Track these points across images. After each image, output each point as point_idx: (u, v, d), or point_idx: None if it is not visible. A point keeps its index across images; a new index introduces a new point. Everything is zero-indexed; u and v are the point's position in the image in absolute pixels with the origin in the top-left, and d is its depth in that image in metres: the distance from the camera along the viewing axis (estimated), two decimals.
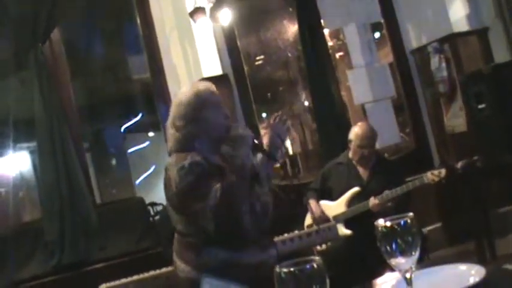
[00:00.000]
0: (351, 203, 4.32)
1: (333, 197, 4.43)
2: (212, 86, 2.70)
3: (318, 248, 4.36)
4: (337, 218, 4.34)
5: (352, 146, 4.40)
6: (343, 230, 4.29)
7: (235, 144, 2.58)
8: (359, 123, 4.56)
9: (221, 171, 2.51)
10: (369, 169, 4.39)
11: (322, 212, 4.42)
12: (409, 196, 4.20)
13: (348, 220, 4.31)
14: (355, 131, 4.40)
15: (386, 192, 4.12)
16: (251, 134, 2.62)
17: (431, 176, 4.11)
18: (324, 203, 4.46)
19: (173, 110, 2.67)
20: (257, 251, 2.58)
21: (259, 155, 2.67)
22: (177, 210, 2.56)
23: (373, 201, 4.14)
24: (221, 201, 2.38)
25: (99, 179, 9.98)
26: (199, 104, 2.60)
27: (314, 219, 4.43)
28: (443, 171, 4.12)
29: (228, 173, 2.49)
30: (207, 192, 2.40)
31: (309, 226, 4.46)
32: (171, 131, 2.65)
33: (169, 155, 2.65)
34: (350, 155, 4.44)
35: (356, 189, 4.32)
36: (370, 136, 4.38)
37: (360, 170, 4.41)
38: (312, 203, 4.48)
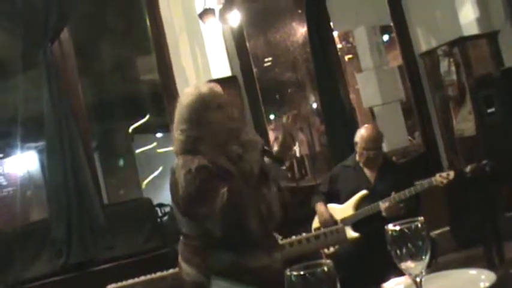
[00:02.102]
0: (358, 206, 4.30)
1: (340, 200, 4.41)
2: (216, 87, 2.68)
3: (326, 251, 4.35)
4: (345, 221, 4.32)
5: (358, 148, 4.38)
6: (351, 233, 4.28)
7: (245, 149, 2.57)
8: (365, 125, 4.55)
9: (228, 174, 2.49)
10: (376, 171, 4.37)
11: (330, 216, 4.40)
12: (419, 199, 4.18)
13: (355, 223, 4.30)
14: (361, 133, 4.39)
15: (394, 195, 4.10)
16: (261, 140, 2.61)
17: (440, 178, 4.09)
18: (332, 206, 4.44)
19: (177, 113, 2.66)
20: (262, 255, 2.55)
21: (268, 159, 2.66)
22: (184, 213, 2.56)
23: (383, 205, 4.11)
24: (228, 204, 2.36)
25: (107, 179, 9.98)
26: (202, 107, 2.58)
27: (322, 222, 4.42)
28: (451, 174, 4.10)
29: (236, 177, 2.48)
30: (213, 196, 2.39)
31: (317, 229, 4.44)
32: (176, 134, 2.64)
33: (176, 157, 2.64)
34: (357, 157, 4.43)
35: (363, 192, 4.30)
36: (376, 138, 4.36)
37: (367, 172, 4.39)
38: (320, 206, 4.47)
